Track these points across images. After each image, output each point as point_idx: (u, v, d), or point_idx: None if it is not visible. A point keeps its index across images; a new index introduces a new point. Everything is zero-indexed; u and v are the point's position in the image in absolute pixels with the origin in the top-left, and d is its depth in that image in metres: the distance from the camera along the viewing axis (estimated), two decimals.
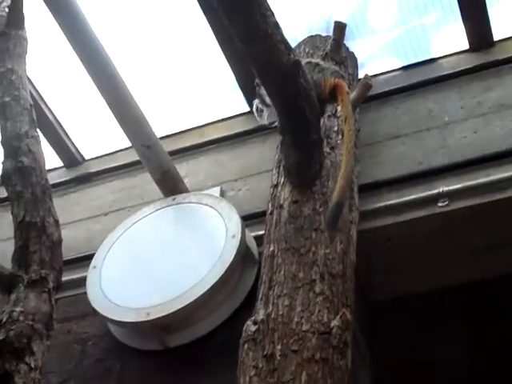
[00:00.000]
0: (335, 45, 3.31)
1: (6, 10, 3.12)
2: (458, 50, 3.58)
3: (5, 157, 2.73)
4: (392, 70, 3.65)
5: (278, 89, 2.50)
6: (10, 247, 2.58)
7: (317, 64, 2.69)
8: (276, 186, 2.84)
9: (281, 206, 2.72)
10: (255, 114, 2.94)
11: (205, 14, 3.49)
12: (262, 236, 2.97)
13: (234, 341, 2.43)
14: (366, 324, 2.97)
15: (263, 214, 3.07)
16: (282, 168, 2.85)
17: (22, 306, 2.36)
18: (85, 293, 3.03)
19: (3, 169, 2.69)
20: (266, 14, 2.34)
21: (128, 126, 3.17)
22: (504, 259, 3.03)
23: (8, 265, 2.51)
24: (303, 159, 2.68)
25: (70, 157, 4.12)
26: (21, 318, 2.32)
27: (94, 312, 2.96)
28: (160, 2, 3.72)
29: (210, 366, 2.72)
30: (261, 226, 3.06)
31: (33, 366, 2.26)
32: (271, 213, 2.76)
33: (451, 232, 2.96)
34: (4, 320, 2.31)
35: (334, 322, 2.32)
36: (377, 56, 3.76)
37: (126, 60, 3.66)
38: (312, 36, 3.48)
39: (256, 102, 2.88)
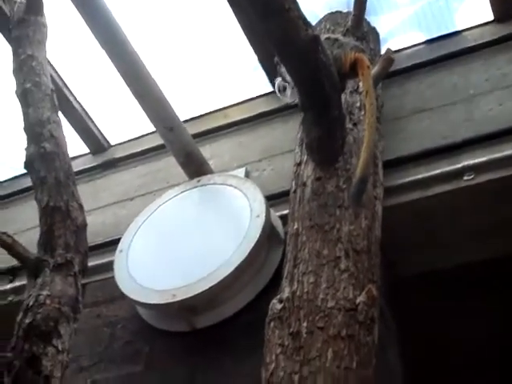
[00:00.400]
0: (356, 20, 3.27)
1: None
2: (482, 22, 3.50)
3: (28, 143, 2.74)
4: (415, 44, 3.59)
5: (297, 65, 2.47)
6: (35, 236, 2.61)
7: (336, 39, 2.66)
8: (299, 164, 2.82)
9: (304, 184, 2.70)
10: (277, 92, 2.91)
11: None
12: (287, 215, 2.97)
13: (259, 321, 2.43)
14: (392, 299, 2.94)
15: (288, 193, 3.06)
16: (304, 146, 2.83)
17: (48, 289, 2.39)
18: (113, 277, 3.05)
19: (26, 155, 2.72)
20: None
21: (150, 109, 3.17)
22: None
23: (34, 251, 2.54)
24: (324, 135, 2.65)
25: (96, 143, 4.15)
26: (47, 302, 2.35)
27: (123, 295, 2.98)
28: None
29: (235, 347, 2.72)
30: (286, 206, 3.04)
31: (60, 348, 2.28)
32: (295, 191, 2.74)
33: (478, 206, 2.92)
34: (31, 304, 2.34)
35: (360, 298, 2.29)
36: (399, 30, 3.71)
37: (147, 43, 3.66)
38: (332, 13, 3.45)
39: (278, 80, 2.86)
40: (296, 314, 2.29)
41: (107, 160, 4.03)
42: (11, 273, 3.52)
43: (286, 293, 2.38)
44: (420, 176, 3.01)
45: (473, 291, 3.29)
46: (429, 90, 3.33)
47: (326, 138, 2.66)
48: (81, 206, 2.65)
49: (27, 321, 2.28)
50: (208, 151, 3.59)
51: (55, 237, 2.52)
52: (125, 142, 4.12)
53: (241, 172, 3.40)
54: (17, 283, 3.45)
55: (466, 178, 2.90)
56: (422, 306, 3.23)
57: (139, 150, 3.93)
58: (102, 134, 4.18)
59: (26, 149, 2.72)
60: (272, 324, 2.33)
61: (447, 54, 3.43)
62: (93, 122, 4.13)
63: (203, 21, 3.77)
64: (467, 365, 3.45)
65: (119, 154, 4.04)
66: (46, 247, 2.51)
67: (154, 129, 3.78)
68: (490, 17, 3.48)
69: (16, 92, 2.92)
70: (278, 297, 2.39)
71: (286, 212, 3.00)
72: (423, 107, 3.27)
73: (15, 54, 3.03)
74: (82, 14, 2.98)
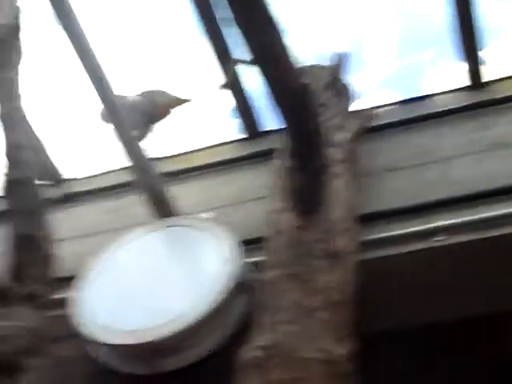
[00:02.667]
0: (334, 75, 3.31)
1: None
2: (454, 88, 3.61)
3: (7, 168, 2.65)
4: (389, 103, 3.67)
5: (290, 112, 2.48)
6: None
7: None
8: (276, 211, 2.80)
9: (282, 232, 2.68)
10: None
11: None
12: (255, 262, 2.96)
13: (225, 368, 2.37)
14: (359, 356, 2.91)
15: (255, 240, 3.05)
16: (283, 193, 2.82)
17: (13, 321, 2.30)
18: (66, 314, 2.93)
19: (5, 181, 2.62)
20: (280, 36, 2.33)
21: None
22: (499, 297, 3.01)
23: None
24: (309, 185, 2.66)
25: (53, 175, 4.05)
26: (13, 334, 2.25)
27: (77, 334, 2.86)
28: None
29: None
30: (253, 253, 3.03)
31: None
32: (271, 238, 2.72)
33: (448, 266, 2.93)
34: None
35: (339, 350, 2.27)
36: (374, 89, 3.79)
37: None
38: (311, 65, 3.48)
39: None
40: (273, 363, 2.25)
41: (65, 193, 3.93)
42: None
43: (263, 341, 2.33)
44: (390, 233, 3.00)
45: (442, 351, 3.28)
46: (402, 150, 3.37)
47: (309, 186, 2.67)
48: (51, 237, 2.58)
49: None
50: (174, 193, 3.53)
51: (23, 267, 2.44)
52: (83, 178, 4.03)
53: (208, 216, 3.35)
54: None
55: (437, 238, 2.92)
56: (389, 363, 3.20)
57: (102, 186, 3.85)
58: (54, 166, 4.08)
59: (5, 174, 2.63)
60: (247, 372, 2.27)
61: (420, 115, 3.49)
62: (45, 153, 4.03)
63: (185, 63, 3.76)
64: None
65: (77, 188, 3.95)
66: (13, 277, 2.42)
67: (115, 166, 3.75)
68: (462, 84, 3.59)
69: None
70: (254, 344, 2.33)
71: (254, 259, 2.99)
72: (396, 166, 3.30)
73: None
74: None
